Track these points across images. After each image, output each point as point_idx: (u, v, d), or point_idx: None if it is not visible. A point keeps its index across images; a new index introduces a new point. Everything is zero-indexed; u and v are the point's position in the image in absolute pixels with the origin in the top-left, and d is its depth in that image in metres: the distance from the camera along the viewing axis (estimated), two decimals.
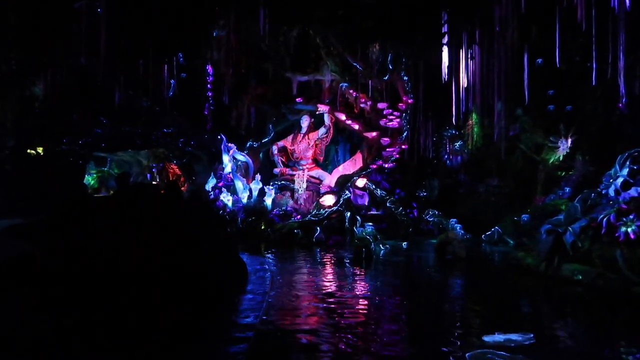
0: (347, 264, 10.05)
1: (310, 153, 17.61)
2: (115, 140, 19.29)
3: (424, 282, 8.73)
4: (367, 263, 10.07)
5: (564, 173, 14.28)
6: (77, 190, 17.69)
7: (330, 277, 8.96)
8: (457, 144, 18.45)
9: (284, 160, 17.91)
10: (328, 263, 10.37)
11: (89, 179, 20.87)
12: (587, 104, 13.92)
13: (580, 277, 7.76)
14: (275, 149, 17.74)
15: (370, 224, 14.71)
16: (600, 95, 13.50)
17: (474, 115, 17.69)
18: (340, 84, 16.49)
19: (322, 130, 17.48)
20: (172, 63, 16.08)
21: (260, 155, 19.13)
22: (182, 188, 17.78)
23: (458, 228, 10.80)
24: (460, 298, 7.51)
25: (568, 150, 14.69)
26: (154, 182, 20.36)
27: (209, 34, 15.56)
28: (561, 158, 14.75)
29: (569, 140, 14.81)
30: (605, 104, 13.47)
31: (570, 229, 8.21)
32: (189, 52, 16.17)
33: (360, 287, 8.06)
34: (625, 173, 10.08)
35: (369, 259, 10.36)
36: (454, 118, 16.54)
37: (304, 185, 16.90)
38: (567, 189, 12.13)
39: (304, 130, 17.64)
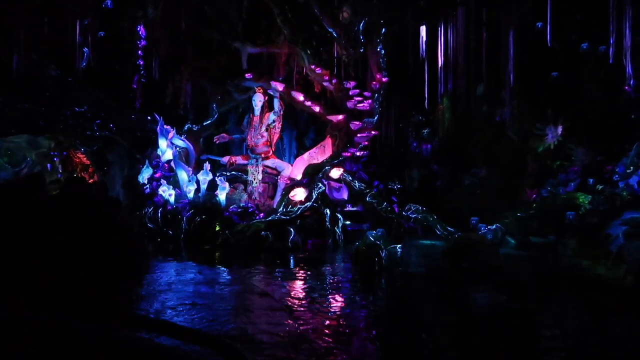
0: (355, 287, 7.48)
1: (262, 140, 14.80)
2: (9, 120, 15.24)
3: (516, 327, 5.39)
4: (379, 279, 7.70)
5: (558, 163, 12.91)
6: None
7: None
8: (425, 131, 16.65)
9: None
10: (341, 292, 7.29)
11: None
12: (586, 86, 12.58)
13: None
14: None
15: (348, 222, 12.46)
16: (602, 77, 12.20)
17: (445, 100, 15.97)
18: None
19: (271, 116, 14.62)
20: (93, 20, 12.58)
21: (201, 141, 16.00)
22: (91, 180, 14.50)
23: (483, 228, 8.77)
24: None
25: (559, 139, 13.37)
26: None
27: None
28: (552, 147, 13.40)
29: (560, 128, 13.49)
30: (608, 87, 12.19)
31: None
32: (115, 7, 12.67)
33: None
34: None
35: (381, 272, 8.02)
36: (426, 101, 14.76)
37: (259, 177, 14.14)
38: (590, 180, 10.59)
39: (257, 111, 14.73)
